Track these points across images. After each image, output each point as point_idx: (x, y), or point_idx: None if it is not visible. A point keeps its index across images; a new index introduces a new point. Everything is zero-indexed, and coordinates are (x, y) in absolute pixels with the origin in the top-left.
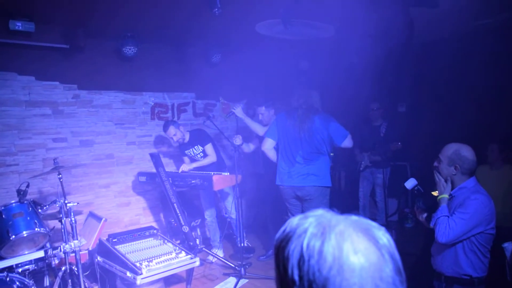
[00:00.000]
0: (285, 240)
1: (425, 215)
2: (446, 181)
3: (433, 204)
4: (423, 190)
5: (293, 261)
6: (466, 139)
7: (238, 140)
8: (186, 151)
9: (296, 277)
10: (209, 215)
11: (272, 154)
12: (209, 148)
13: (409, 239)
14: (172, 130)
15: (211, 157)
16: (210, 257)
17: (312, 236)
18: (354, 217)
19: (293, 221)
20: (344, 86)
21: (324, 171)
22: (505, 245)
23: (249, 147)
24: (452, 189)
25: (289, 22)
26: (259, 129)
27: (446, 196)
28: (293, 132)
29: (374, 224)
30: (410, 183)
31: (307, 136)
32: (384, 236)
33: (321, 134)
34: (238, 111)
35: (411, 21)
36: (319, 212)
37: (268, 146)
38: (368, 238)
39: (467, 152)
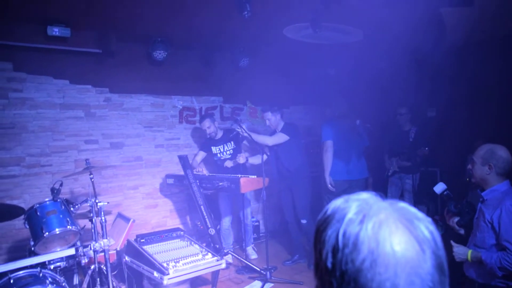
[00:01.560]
0: (325, 223)
1: (456, 219)
2: (480, 182)
3: (463, 208)
4: (453, 194)
5: (328, 247)
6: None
7: (241, 159)
8: (212, 147)
9: (330, 265)
10: (227, 221)
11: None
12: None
13: None
14: (207, 122)
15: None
16: (229, 259)
17: (350, 223)
18: (400, 204)
19: (336, 203)
20: (372, 90)
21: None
22: None
23: (258, 159)
24: (483, 190)
25: (318, 26)
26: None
27: (472, 251)
28: (347, 135)
29: (420, 214)
30: (440, 187)
31: (357, 138)
32: (427, 229)
33: (361, 136)
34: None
35: (442, 22)
36: (364, 195)
37: (330, 147)
38: (410, 231)
39: (501, 151)
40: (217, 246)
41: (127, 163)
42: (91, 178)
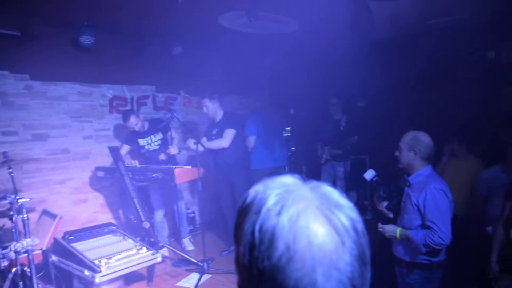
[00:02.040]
0: (243, 215)
1: (385, 203)
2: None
3: (391, 193)
4: (382, 181)
5: (245, 243)
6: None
7: (173, 150)
8: (139, 139)
9: (247, 262)
10: (160, 214)
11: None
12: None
13: (368, 231)
14: (133, 119)
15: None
16: (165, 252)
17: (267, 215)
18: (323, 189)
19: (256, 189)
20: (307, 81)
21: None
22: (488, 228)
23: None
24: (409, 175)
25: (253, 15)
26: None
27: (401, 230)
28: (271, 124)
29: (342, 201)
30: (369, 174)
31: (278, 128)
32: (348, 218)
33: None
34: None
35: (371, 15)
36: (286, 179)
37: (253, 143)
38: (329, 221)
39: (424, 137)
40: (152, 239)
41: (53, 156)
42: (10, 173)
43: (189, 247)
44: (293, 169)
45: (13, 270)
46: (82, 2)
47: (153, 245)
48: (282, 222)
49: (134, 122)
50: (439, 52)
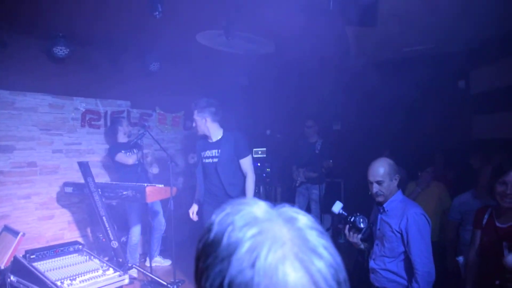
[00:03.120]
0: (206, 255)
1: (359, 235)
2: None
3: (367, 222)
4: (356, 205)
5: None
6: (397, 159)
7: (154, 170)
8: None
9: None
10: (137, 233)
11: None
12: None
13: (342, 255)
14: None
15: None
16: (134, 273)
17: (239, 266)
18: (300, 222)
19: (221, 221)
20: (283, 102)
21: None
22: (459, 258)
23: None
24: (382, 203)
25: (231, 33)
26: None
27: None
28: None
29: (320, 245)
30: (337, 207)
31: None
32: (329, 269)
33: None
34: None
35: (347, 40)
36: (257, 210)
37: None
38: (309, 275)
39: (391, 161)
40: (120, 260)
41: (18, 169)
42: None
43: (166, 262)
44: (267, 190)
45: None
46: (57, 12)
47: (121, 266)
48: (258, 279)
49: (126, 129)
50: (413, 79)
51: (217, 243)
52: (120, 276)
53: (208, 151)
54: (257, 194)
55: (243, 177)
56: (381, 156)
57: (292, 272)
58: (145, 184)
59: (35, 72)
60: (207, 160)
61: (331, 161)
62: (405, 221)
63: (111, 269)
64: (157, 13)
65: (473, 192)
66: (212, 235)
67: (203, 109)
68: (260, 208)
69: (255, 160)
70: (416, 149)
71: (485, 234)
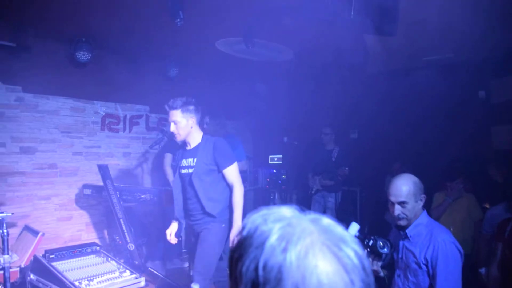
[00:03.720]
0: (240, 249)
1: (380, 263)
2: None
3: (389, 247)
4: (372, 215)
5: (247, 282)
6: (416, 169)
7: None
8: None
9: None
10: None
11: None
12: None
13: None
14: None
15: None
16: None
17: (272, 251)
18: (325, 222)
19: (253, 220)
20: (301, 109)
21: None
22: (481, 270)
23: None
24: (405, 227)
25: (251, 41)
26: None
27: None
28: None
29: (347, 236)
30: (354, 229)
31: None
32: (356, 256)
33: None
34: None
35: (365, 48)
36: (285, 212)
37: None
38: (337, 258)
39: (416, 177)
40: (136, 262)
41: (39, 171)
42: None
43: (183, 264)
44: (283, 198)
45: None
46: (81, 18)
47: (137, 268)
48: (289, 260)
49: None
50: (432, 89)
51: (250, 236)
52: (136, 278)
53: (184, 160)
54: (272, 201)
55: (229, 191)
56: (391, 168)
57: (321, 257)
58: (163, 188)
59: (58, 76)
60: (183, 171)
61: (347, 168)
62: (432, 250)
63: (127, 271)
64: (178, 20)
65: (505, 205)
66: (245, 232)
67: (187, 108)
68: (288, 209)
69: (271, 167)
70: (433, 160)
71: (507, 247)
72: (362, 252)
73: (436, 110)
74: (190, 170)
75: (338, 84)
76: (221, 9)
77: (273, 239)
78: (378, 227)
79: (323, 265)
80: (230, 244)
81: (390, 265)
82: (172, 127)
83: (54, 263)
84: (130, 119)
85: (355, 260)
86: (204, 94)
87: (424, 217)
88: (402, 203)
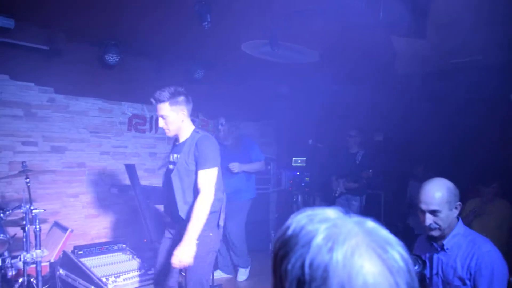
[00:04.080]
0: (286, 247)
1: None
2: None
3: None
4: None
5: (292, 279)
6: (440, 173)
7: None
8: None
9: None
10: None
11: None
12: None
13: None
14: None
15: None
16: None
17: (318, 250)
18: (369, 225)
19: (298, 220)
20: (324, 111)
21: None
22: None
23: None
24: (438, 239)
25: (277, 44)
26: (257, 167)
27: None
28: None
29: (392, 239)
30: None
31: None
32: (401, 258)
33: None
34: (237, 167)
35: (393, 50)
36: (330, 213)
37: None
38: (383, 260)
39: (451, 183)
40: None
41: (69, 169)
42: (27, 183)
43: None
44: (306, 200)
45: (20, 280)
46: (110, 21)
47: None
48: (335, 259)
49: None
50: (460, 91)
51: (296, 235)
52: None
53: (171, 155)
54: (295, 203)
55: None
56: (413, 171)
57: (367, 258)
58: None
59: (87, 78)
60: (169, 166)
61: (370, 171)
62: (475, 262)
63: (152, 269)
64: (206, 23)
65: None
66: (290, 231)
67: (176, 100)
68: (332, 211)
69: (294, 169)
70: (461, 164)
71: None
72: (407, 255)
73: (464, 113)
74: (171, 167)
75: (364, 86)
76: (247, 12)
77: (319, 238)
78: (402, 232)
79: (369, 266)
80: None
81: (421, 285)
82: (161, 123)
83: (82, 259)
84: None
85: (401, 263)
86: (228, 96)
87: (461, 227)
88: (434, 212)
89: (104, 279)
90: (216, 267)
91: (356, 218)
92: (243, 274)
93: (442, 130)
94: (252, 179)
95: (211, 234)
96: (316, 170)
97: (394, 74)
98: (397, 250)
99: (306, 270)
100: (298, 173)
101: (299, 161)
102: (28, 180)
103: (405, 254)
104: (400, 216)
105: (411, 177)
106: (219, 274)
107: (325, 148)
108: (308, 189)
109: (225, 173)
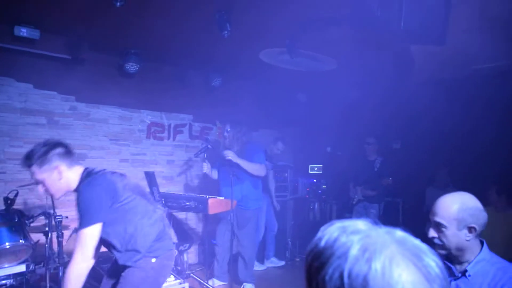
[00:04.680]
0: (321, 258)
1: None
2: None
3: None
4: (413, 226)
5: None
6: (458, 181)
7: (205, 168)
8: None
9: None
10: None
11: None
12: None
13: None
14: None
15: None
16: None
17: (356, 261)
18: (399, 234)
19: (330, 233)
20: (341, 119)
21: None
22: None
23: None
24: (454, 261)
25: (295, 52)
26: (258, 169)
27: None
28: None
29: (423, 246)
30: None
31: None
32: (437, 266)
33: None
34: (232, 155)
35: (411, 58)
36: (360, 225)
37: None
38: (419, 268)
39: (474, 201)
40: (179, 268)
41: None
42: None
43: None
44: (323, 208)
45: (43, 285)
46: (130, 31)
47: (179, 274)
48: (374, 269)
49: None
50: (483, 98)
51: (330, 247)
52: (180, 284)
53: None
54: (312, 211)
55: (139, 227)
56: (435, 176)
57: (404, 267)
58: (207, 196)
59: (107, 86)
60: None
61: (390, 178)
62: None
63: (172, 276)
64: (225, 32)
65: None
66: (322, 243)
67: (44, 159)
68: (361, 222)
69: (311, 176)
70: (482, 172)
71: None
72: (441, 263)
73: (485, 119)
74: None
75: (381, 94)
76: (266, 21)
77: (355, 249)
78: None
79: (407, 275)
80: None
81: None
82: (40, 189)
83: (103, 265)
84: (174, 128)
85: (437, 270)
86: (245, 104)
87: (486, 252)
88: (438, 225)
89: None
90: (211, 275)
91: (385, 228)
92: None
93: (462, 137)
94: (259, 187)
95: (153, 260)
96: (333, 178)
97: (411, 81)
98: (431, 258)
99: (345, 280)
100: (314, 180)
101: (315, 169)
102: None
103: (439, 261)
104: (419, 225)
105: (431, 183)
106: (213, 283)
107: (343, 155)
108: (325, 196)
109: (232, 179)
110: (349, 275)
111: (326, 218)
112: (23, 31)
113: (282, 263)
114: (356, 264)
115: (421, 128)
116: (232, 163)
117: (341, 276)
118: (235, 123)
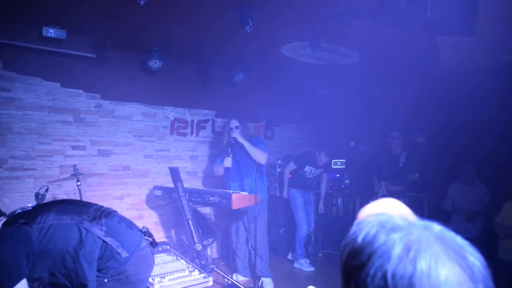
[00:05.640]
0: (360, 256)
1: None
2: None
3: None
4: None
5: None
6: (484, 174)
7: (228, 162)
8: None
9: None
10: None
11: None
12: None
13: None
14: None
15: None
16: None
17: (400, 261)
18: (437, 228)
19: (368, 229)
20: (365, 113)
21: None
22: None
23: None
24: None
25: (317, 46)
26: (261, 155)
27: None
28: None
29: (464, 243)
30: None
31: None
32: (481, 265)
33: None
34: (237, 135)
35: (437, 50)
36: (397, 220)
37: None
38: (463, 268)
39: None
40: (203, 262)
41: (114, 172)
42: (78, 185)
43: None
44: (346, 203)
45: None
46: (153, 29)
47: (204, 268)
48: (420, 270)
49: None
50: (508, 89)
51: (369, 244)
52: (205, 278)
53: None
54: (335, 206)
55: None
56: (461, 171)
57: (449, 267)
58: (231, 191)
59: (131, 84)
60: None
61: (417, 174)
62: None
63: (196, 270)
64: (248, 27)
65: None
66: (360, 239)
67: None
68: (398, 216)
69: (334, 171)
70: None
71: None
72: (483, 261)
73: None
74: None
75: (405, 86)
76: (288, 15)
77: (398, 248)
78: None
79: (453, 276)
80: None
81: None
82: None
83: None
84: (197, 124)
85: (481, 269)
86: (268, 99)
87: None
88: None
89: (150, 280)
90: (235, 270)
91: (423, 222)
92: (269, 285)
93: (487, 131)
94: (265, 180)
95: (105, 280)
96: (356, 172)
97: (436, 73)
98: (475, 256)
99: (389, 281)
100: (338, 175)
101: (338, 163)
102: (79, 183)
103: (481, 259)
104: (444, 222)
105: (457, 177)
106: (236, 278)
107: (367, 150)
108: (348, 191)
109: (241, 173)
110: (393, 276)
111: (349, 213)
112: (51, 32)
113: (312, 269)
114: (400, 264)
115: (446, 121)
116: (238, 144)
117: (384, 277)
118: (240, 118)
